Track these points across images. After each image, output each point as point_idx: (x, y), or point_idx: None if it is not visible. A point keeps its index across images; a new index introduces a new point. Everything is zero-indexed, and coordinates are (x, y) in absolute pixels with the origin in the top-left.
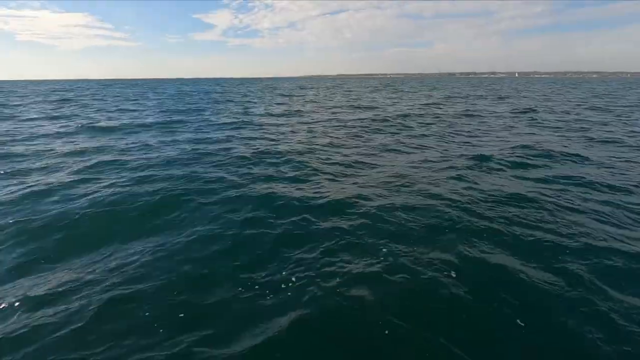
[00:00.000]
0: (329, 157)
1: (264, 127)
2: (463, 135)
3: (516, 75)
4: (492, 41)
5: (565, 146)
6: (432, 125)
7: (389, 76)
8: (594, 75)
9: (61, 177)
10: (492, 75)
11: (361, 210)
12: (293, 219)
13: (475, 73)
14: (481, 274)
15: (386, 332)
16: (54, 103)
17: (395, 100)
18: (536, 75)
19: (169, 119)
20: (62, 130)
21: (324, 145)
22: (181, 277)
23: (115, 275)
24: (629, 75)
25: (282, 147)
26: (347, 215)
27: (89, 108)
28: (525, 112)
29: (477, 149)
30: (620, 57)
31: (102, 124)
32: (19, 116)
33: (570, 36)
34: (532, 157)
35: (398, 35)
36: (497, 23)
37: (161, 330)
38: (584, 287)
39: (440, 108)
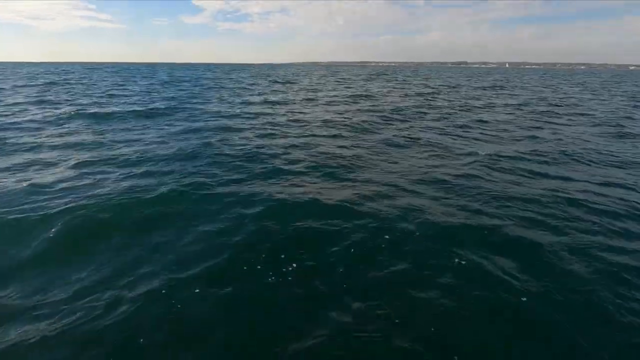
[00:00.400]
0: (329, 150)
1: (260, 117)
2: (467, 128)
3: (507, 65)
4: (484, 31)
5: (577, 141)
6: (435, 118)
7: (381, 64)
8: (582, 67)
9: (59, 171)
10: (483, 65)
11: (370, 210)
12: (299, 216)
13: (466, 63)
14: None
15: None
16: (39, 87)
17: (391, 90)
18: (526, 66)
19: (161, 106)
20: (52, 117)
21: (323, 137)
22: (196, 272)
23: (133, 273)
24: (614, 67)
25: (281, 141)
26: (355, 215)
27: (77, 93)
28: (524, 105)
29: (484, 144)
30: (607, 49)
31: (93, 110)
32: (3, 100)
33: (559, 28)
34: (541, 154)
35: (390, 23)
36: (489, 13)
37: (195, 328)
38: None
39: (441, 99)
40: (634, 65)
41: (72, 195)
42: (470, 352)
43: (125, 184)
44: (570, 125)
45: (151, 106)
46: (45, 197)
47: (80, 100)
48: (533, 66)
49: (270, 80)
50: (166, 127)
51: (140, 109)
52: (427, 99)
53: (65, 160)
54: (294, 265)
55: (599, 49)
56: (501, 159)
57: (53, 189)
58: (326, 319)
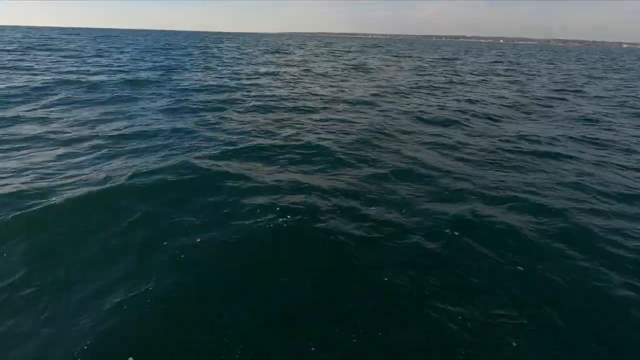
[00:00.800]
0: (328, 127)
1: (253, 89)
2: (471, 104)
3: (501, 41)
4: (481, 7)
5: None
6: (438, 93)
7: (375, 36)
8: (576, 44)
9: (49, 146)
10: (479, 40)
11: (371, 191)
12: (299, 193)
13: (463, 36)
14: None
15: None
16: (15, 53)
17: (389, 63)
18: (521, 42)
19: (150, 76)
20: (33, 86)
21: (320, 112)
22: (203, 244)
23: (141, 249)
24: (608, 45)
25: (276, 115)
26: (357, 195)
27: (59, 59)
28: (530, 81)
29: (491, 122)
30: (602, 26)
31: (79, 77)
32: None
33: (554, 5)
34: (548, 135)
35: None
36: None
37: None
38: None
39: (442, 73)
40: (627, 43)
41: (69, 172)
42: (468, 331)
43: (123, 159)
44: (582, 105)
45: (139, 75)
46: (40, 176)
47: (65, 68)
48: (528, 42)
49: (261, 51)
50: (156, 98)
51: (128, 77)
52: (428, 74)
53: (53, 134)
54: (293, 239)
55: (594, 27)
56: (510, 138)
57: (48, 167)
58: (328, 293)
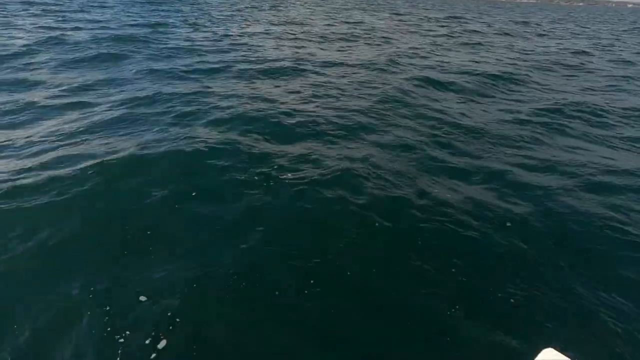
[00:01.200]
0: (339, 94)
1: (253, 52)
2: (490, 64)
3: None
4: None
5: None
6: (459, 59)
7: None
8: (580, 4)
9: (54, 120)
10: None
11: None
12: (305, 173)
13: None
14: None
15: None
16: None
17: (391, 22)
18: (523, 1)
19: (140, 33)
20: (14, 41)
21: (328, 79)
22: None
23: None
24: (613, 4)
25: (279, 83)
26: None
27: (39, 13)
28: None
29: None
30: None
31: (62, 34)
32: None
33: None
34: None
35: None
36: None
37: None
38: None
39: (448, 32)
40: (632, 4)
41: (67, 144)
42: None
43: (121, 128)
44: (602, 67)
45: (126, 32)
46: (37, 148)
47: (44, 24)
48: (530, 1)
49: (255, 7)
50: (147, 58)
51: (115, 35)
52: (434, 34)
53: (43, 100)
54: (298, 214)
55: None
56: (530, 106)
57: (43, 139)
58: (328, 282)
